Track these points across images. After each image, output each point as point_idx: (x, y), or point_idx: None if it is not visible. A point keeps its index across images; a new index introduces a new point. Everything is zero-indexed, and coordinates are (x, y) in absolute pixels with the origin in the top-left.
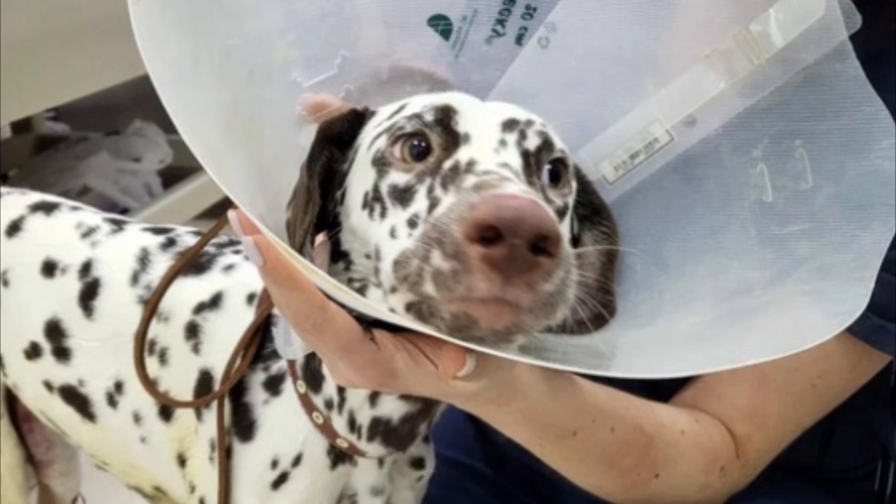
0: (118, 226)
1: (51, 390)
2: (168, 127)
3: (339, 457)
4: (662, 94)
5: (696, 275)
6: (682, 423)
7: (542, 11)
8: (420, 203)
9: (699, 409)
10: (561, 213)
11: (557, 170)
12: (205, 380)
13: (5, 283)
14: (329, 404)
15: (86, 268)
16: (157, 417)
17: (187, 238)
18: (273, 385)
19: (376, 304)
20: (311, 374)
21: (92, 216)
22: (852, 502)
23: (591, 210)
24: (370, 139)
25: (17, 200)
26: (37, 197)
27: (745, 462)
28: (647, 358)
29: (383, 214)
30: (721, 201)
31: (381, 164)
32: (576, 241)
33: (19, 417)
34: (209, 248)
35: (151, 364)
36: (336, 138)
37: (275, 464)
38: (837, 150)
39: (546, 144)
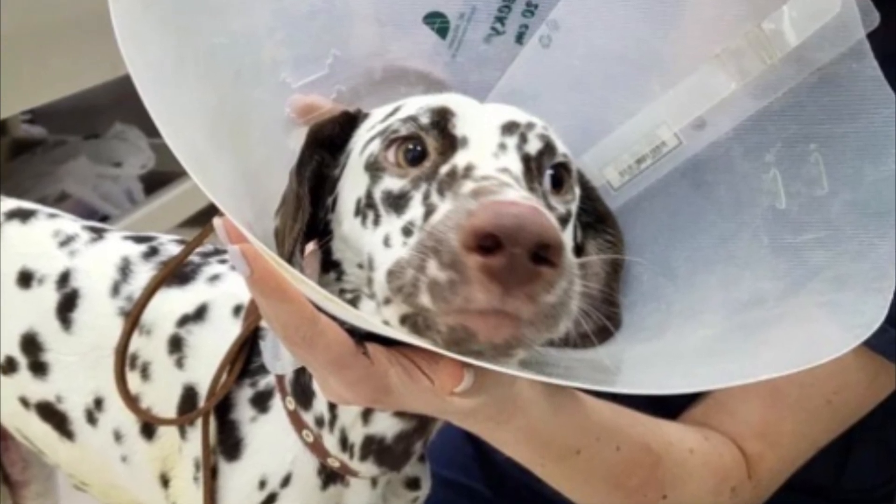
0: (98, 234)
1: (27, 407)
2: (150, 130)
3: (331, 477)
4: (670, 95)
5: (706, 286)
6: (691, 442)
7: (544, 9)
8: (415, 210)
9: (709, 426)
10: (563, 220)
11: (560, 175)
12: (189, 396)
13: None
14: (320, 422)
15: (64, 278)
16: (139, 435)
17: (171, 247)
18: (261, 401)
19: (369, 317)
20: (301, 389)
21: (70, 224)
22: None
23: (596, 217)
24: (363, 143)
25: None
26: (12, 203)
27: (758, 482)
28: (655, 373)
29: (377, 222)
30: (732, 208)
31: (374, 169)
32: (579, 250)
33: None
34: (194, 258)
35: (133, 379)
36: (327, 142)
37: (262, 484)
38: (854, 154)
39: (548, 148)
